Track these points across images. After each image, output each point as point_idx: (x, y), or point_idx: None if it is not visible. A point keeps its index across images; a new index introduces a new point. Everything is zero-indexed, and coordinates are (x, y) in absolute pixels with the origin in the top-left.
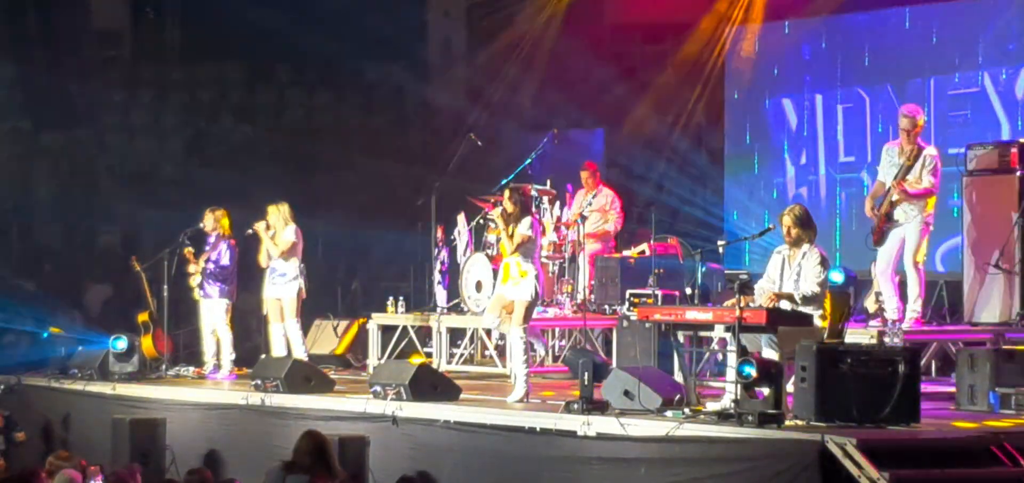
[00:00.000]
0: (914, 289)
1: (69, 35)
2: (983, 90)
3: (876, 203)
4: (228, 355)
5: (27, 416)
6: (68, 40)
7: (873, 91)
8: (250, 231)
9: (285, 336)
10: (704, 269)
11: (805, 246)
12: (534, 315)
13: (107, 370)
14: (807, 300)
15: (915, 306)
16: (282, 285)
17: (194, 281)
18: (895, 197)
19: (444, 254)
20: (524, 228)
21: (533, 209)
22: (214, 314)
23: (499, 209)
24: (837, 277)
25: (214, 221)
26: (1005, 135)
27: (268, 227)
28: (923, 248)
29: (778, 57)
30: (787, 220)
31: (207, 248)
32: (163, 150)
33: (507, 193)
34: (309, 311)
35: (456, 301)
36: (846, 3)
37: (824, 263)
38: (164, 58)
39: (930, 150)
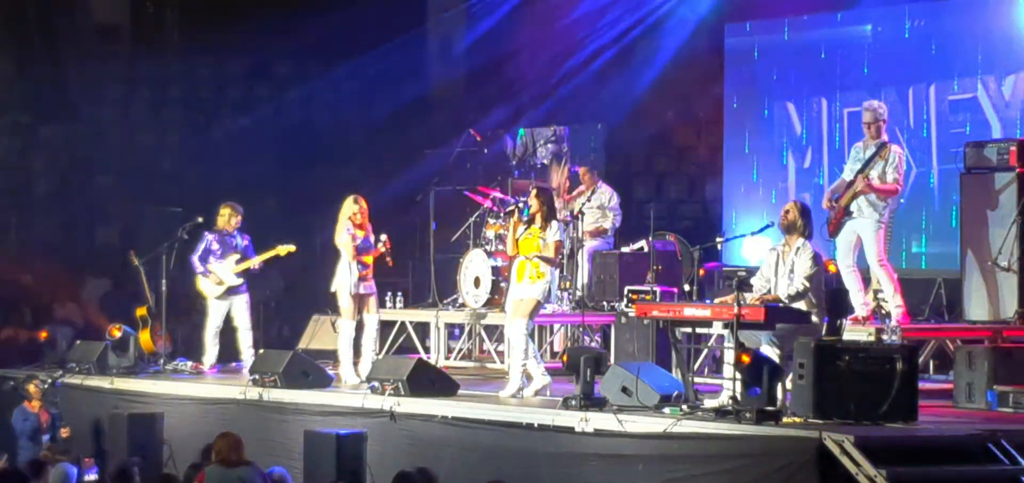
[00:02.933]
0: (889, 287)
1: (68, 29)
2: (976, 97)
3: (834, 196)
4: (249, 348)
5: (69, 414)
6: (67, 34)
7: (877, 96)
8: (383, 245)
9: (361, 334)
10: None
11: (798, 242)
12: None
13: (105, 364)
14: (794, 297)
15: (897, 303)
16: (373, 284)
17: (232, 279)
18: (858, 188)
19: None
20: (557, 235)
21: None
22: (239, 309)
23: (494, 203)
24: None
25: (230, 215)
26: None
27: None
28: (882, 247)
29: (778, 61)
30: (783, 216)
31: (231, 244)
32: (162, 144)
33: (533, 192)
34: (307, 307)
35: (454, 296)
36: (846, 4)
37: (816, 259)
38: (163, 52)
39: (896, 148)
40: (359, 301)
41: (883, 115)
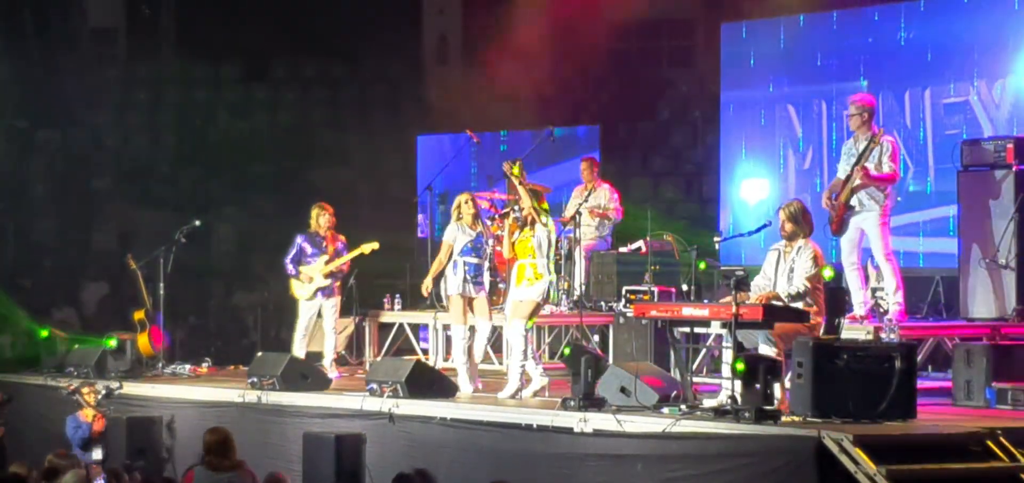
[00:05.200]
0: (892, 282)
1: (65, 33)
2: (969, 100)
3: (833, 195)
4: (331, 352)
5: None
6: (64, 38)
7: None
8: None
9: (471, 338)
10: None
11: (800, 242)
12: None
13: (103, 368)
14: (795, 297)
15: (896, 300)
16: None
17: (320, 281)
18: (857, 182)
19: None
20: (546, 228)
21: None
22: (326, 312)
23: (491, 204)
24: (828, 273)
25: (318, 215)
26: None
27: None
28: (887, 240)
29: (775, 63)
30: (783, 216)
31: (322, 245)
32: (158, 148)
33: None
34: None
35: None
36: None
37: (816, 260)
38: (159, 56)
39: (888, 137)
40: (466, 302)
41: (868, 107)
